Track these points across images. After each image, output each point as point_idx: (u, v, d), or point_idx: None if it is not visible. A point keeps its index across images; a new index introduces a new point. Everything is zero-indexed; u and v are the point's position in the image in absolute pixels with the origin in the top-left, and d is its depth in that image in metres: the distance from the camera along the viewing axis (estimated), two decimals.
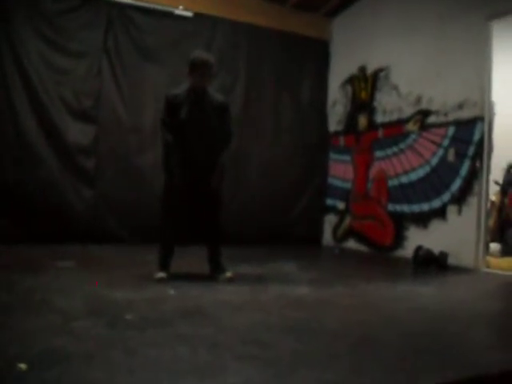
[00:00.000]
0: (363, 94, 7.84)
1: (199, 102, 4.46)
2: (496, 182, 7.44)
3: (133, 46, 7.00)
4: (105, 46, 6.82)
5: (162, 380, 2.06)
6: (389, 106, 7.31)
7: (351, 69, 8.05)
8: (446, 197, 6.33)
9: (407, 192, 6.89)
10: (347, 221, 7.99)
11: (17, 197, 6.23)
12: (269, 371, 2.21)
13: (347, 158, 8.07)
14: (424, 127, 6.70)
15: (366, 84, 7.79)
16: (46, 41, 6.49)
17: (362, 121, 7.82)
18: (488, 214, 6.26)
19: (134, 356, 2.33)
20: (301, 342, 2.70)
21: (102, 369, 2.14)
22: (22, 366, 2.09)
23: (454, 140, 6.26)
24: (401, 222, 6.96)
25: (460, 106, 6.21)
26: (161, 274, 4.33)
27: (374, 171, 7.52)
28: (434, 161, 6.51)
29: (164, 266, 4.41)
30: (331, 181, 8.39)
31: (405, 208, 6.91)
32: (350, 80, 8.10)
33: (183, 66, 4.54)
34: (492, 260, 6.35)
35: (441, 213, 6.38)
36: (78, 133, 6.64)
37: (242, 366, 2.26)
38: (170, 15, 7.16)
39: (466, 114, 6.15)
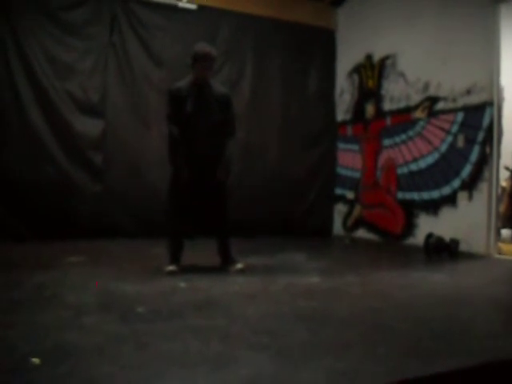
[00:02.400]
0: (370, 83, 7.79)
1: (202, 95, 4.46)
2: (506, 168, 7.37)
3: (137, 40, 6.99)
4: (110, 41, 6.81)
5: (174, 373, 2.05)
6: (396, 93, 7.26)
7: (358, 57, 8.00)
8: (456, 183, 6.28)
9: (417, 179, 6.85)
10: (357, 210, 7.96)
11: (25, 193, 6.25)
12: (281, 361, 2.20)
13: (355, 147, 8.03)
14: (432, 114, 6.65)
15: (372, 72, 7.74)
16: (52, 37, 6.48)
17: (370, 109, 7.77)
18: (499, 200, 6.21)
19: (146, 349, 2.33)
20: (313, 331, 2.69)
21: (114, 363, 2.14)
22: (35, 360, 2.10)
23: (463, 126, 6.20)
24: (411, 210, 6.92)
25: (468, 92, 6.15)
26: (171, 267, 4.33)
27: (382, 159, 7.48)
28: (444, 147, 6.46)
29: (174, 258, 4.42)
30: (340, 170, 8.36)
31: (415, 196, 6.87)
32: (357, 68, 8.05)
33: (188, 59, 4.52)
34: (503, 246, 6.31)
35: (451, 200, 6.34)
36: (85, 128, 6.65)
37: (254, 356, 2.26)
38: (173, 8, 7.13)
39: (474, 99, 6.09)
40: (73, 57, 6.61)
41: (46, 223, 6.30)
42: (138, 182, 6.85)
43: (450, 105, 6.39)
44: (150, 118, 6.97)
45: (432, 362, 2.23)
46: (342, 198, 8.25)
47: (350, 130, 8.19)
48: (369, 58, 7.79)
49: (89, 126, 6.68)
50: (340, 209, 8.30)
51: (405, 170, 7.05)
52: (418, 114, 6.86)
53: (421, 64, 6.83)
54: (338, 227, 8.33)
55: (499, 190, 6.25)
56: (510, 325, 3.10)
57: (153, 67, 7.06)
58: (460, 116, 6.25)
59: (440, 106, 6.54)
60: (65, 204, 6.46)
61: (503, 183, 7.18)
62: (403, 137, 7.09)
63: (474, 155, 6.06)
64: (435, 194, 6.57)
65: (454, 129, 6.32)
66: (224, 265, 4.57)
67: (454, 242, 5.89)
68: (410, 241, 6.87)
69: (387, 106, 7.44)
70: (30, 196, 6.27)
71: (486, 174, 5.94)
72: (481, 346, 2.52)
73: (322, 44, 8.33)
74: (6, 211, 6.15)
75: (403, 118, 7.12)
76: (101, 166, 6.73)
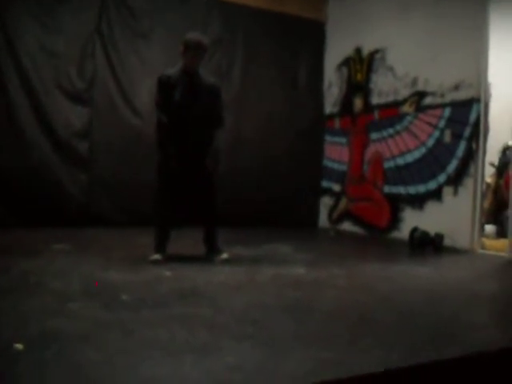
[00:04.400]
0: (359, 76, 7.79)
1: (192, 84, 4.45)
2: (492, 164, 7.43)
3: (127, 28, 6.91)
4: (98, 28, 6.74)
5: (159, 360, 2.05)
6: (384, 87, 7.27)
7: (347, 50, 7.99)
8: (441, 178, 6.32)
9: (403, 174, 6.88)
10: (343, 203, 7.98)
11: (10, 181, 6.18)
12: (266, 350, 2.21)
13: (343, 140, 8.04)
14: (420, 109, 6.67)
15: (361, 66, 7.75)
16: (39, 23, 6.38)
17: (358, 103, 7.78)
18: (483, 196, 6.26)
19: (131, 336, 2.33)
20: (297, 322, 2.70)
21: (98, 349, 2.14)
22: (19, 346, 2.09)
23: (450, 121, 6.24)
24: (397, 204, 6.96)
25: (456, 87, 6.18)
26: (156, 256, 4.32)
27: (369, 153, 7.50)
28: (430, 142, 6.49)
29: (160, 247, 4.41)
30: (327, 163, 8.37)
31: (401, 190, 6.90)
32: (346, 62, 8.05)
33: (179, 46, 4.49)
34: (487, 241, 6.37)
35: (437, 194, 6.38)
36: (71, 116, 6.58)
37: (238, 345, 2.26)
38: None
39: (462, 95, 6.12)
40: (60, 44, 6.51)
41: (32, 211, 6.23)
42: (125, 170, 6.79)
43: (438, 100, 6.42)
44: (138, 107, 6.92)
45: (416, 354, 2.25)
46: (329, 191, 8.27)
47: (337, 123, 8.19)
48: (358, 51, 7.79)
49: (75, 115, 6.61)
50: (326, 201, 8.31)
51: (391, 164, 7.08)
52: (406, 108, 6.88)
53: (410, 59, 6.84)
54: (323, 219, 8.35)
55: (484, 186, 6.30)
56: (493, 318, 3.14)
57: (142, 55, 6.99)
58: (447, 111, 6.28)
59: (428, 101, 6.57)
60: (51, 192, 6.40)
61: (488, 179, 7.24)
62: (390, 131, 7.11)
63: (461, 151, 6.10)
64: (421, 189, 6.60)
65: (441, 124, 6.35)
66: (209, 254, 4.57)
67: (439, 237, 5.94)
68: (395, 234, 6.91)
69: (375, 99, 7.45)
70: (16, 183, 6.20)
71: (472, 169, 5.99)
72: (464, 339, 2.55)
73: (312, 36, 8.30)
74: None
75: (391, 112, 7.14)
76: (87, 155, 6.68)
